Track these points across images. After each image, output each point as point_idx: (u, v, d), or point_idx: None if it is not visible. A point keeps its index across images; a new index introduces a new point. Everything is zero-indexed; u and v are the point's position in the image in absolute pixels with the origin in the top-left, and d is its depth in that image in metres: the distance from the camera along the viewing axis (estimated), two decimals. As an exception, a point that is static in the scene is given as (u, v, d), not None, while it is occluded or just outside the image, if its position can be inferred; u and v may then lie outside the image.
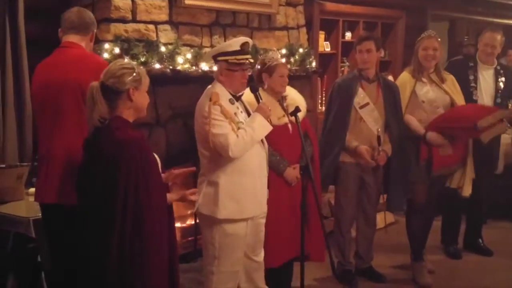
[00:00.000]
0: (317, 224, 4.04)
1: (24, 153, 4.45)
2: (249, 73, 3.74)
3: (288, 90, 4.31)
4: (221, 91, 3.58)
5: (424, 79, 4.84)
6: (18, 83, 4.39)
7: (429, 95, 4.83)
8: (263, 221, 3.85)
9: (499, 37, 5.27)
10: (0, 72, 4.30)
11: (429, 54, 4.81)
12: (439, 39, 4.90)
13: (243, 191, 3.63)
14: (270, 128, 3.64)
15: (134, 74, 2.88)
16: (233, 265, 3.72)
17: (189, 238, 5.23)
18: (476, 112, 4.84)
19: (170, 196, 2.99)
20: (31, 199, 3.78)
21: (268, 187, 3.86)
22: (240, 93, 3.70)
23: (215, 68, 4.70)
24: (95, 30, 3.49)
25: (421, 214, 4.91)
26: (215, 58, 3.65)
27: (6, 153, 4.34)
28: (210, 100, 3.50)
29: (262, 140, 3.74)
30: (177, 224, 5.19)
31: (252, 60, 3.67)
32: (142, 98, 2.94)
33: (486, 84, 5.30)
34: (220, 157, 3.55)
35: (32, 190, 3.82)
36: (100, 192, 2.77)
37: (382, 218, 5.91)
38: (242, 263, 3.78)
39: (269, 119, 3.66)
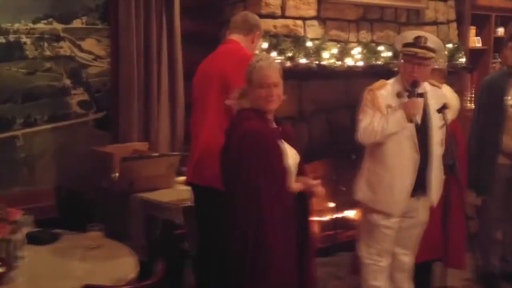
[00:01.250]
0: (459, 227, 3.96)
1: (176, 143, 4.71)
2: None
3: (445, 90, 4.21)
4: (395, 82, 3.67)
5: None
6: (172, 77, 4.66)
7: None
8: (412, 221, 3.81)
9: None
10: (156, 67, 4.58)
11: None
12: None
13: (378, 184, 3.68)
14: (404, 126, 3.58)
15: (249, 69, 2.96)
16: (379, 255, 3.78)
17: (329, 232, 5.27)
18: None
19: (296, 186, 3.02)
20: (181, 187, 3.99)
21: None
22: (421, 91, 3.62)
23: (360, 63, 4.80)
24: (258, 33, 3.60)
25: None
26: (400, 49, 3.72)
27: (159, 142, 4.63)
28: (373, 87, 3.63)
29: (420, 142, 3.64)
30: (316, 218, 5.27)
31: (429, 56, 3.57)
32: (253, 95, 2.96)
33: None
34: (368, 145, 3.68)
35: (182, 178, 4.03)
36: (229, 178, 2.92)
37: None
38: (389, 257, 3.82)
39: (411, 118, 3.60)
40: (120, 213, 4.11)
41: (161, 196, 4.06)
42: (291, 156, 3.05)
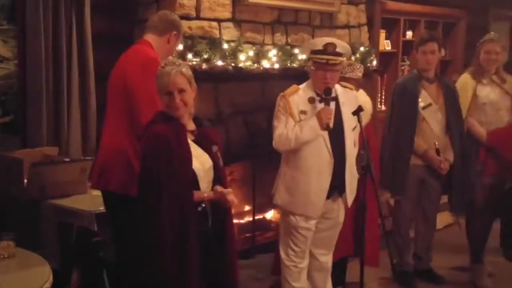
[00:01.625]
0: (373, 226, 4.05)
1: (88, 147, 4.56)
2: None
3: (359, 94, 4.29)
4: (306, 88, 3.70)
5: (485, 81, 4.78)
6: (83, 79, 4.51)
7: (490, 96, 4.77)
8: (330, 222, 3.86)
9: None
10: (66, 68, 4.41)
11: (491, 59, 4.75)
12: (502, 43, 4.83)
13: (295, 187, 3.73)
14: (319, 133, 3.61)
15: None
16: (297, 258, 3.80)
17: (247, 235, 5.26)
18: None
19: (208, 194, 2.96)
20: (95, 193, 3.87)
21: None
22: (331, 96, 3.67)
23: (276, 66, 4.80)
24: (174, 33, 3.49)
25: (481, 216, 4.84)
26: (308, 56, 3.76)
27: (70, 147, 4.47)
28: (286, 93, 3.66)
29: (334, 145, 3.68)
30: (235, 220, 5.24)
31: (338, 61, 3.61)
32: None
33: None
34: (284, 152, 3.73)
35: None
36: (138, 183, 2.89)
37: (442, 219, 5.84)
38: (307, 259, 3.85)
39: (325, 126, 3.62)
40: (31, 221, 3.93)
41: (74, 202, 3.93)
42: (202, 160, 2.98)
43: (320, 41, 3.65)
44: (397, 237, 4.82)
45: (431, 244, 4.91)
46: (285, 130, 3.60)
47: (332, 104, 3.67)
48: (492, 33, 5.04)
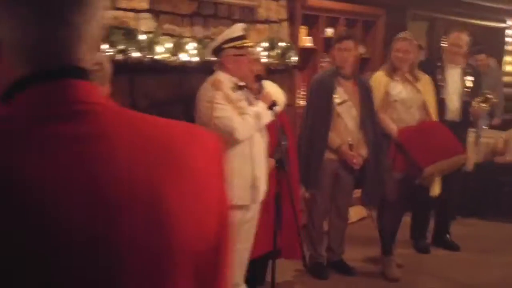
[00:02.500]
0: (290, 220, 4.11)
1: None
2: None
3: (268, 85, 4.37)
4: (224, 79, 3.69)
5: (397, 78, 4.93)
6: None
7: (401, 95, 4.94)
8: (251, 213, 3.93)
9: (464, 37, 5.37)
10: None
11: (398, 57, 4.92)
12: (414, 41, 4.99)
13: (239, 177, 3.70)
14: (272, 116, 3.69)
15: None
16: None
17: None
18: (438, 148, 4.94)
19: None
20: None
21: None
22: (244, 84, 3.73)
23: (194, 59, 4.79)
24: None
25: (392, 210, 5.00)
26: (219, 47, 3.70)
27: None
28: (213, 86, 3.63)
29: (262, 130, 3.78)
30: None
31: (252, 45, 3.73)
32: None
33: (453, 83, 5.43)
34: (225, 142, 3.62)
35: None
36: None
37: (355, 212, 6.01)
38: None
39: (271, 107, 3.71)
40: None
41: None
42: None
43: (237, 28, 3.70)
44: (310, 230, 4.92)
45: (343, 237, 5.04)
46: (244, 119, 3.59)
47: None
48: (406, 31, 5.19)
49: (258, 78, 3.75)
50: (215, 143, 1.07)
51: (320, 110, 4.72)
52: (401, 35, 5.02)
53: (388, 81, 4.95)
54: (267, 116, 3.69)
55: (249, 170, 3.71)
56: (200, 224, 0.99)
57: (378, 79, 5.00)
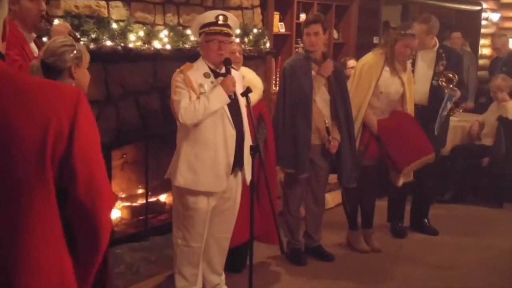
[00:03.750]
0: (267, 206, 4.11)
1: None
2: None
3: (246, 72, 4.37)
4: (199, 65, 3.73)
5: (387, 69, 4.97)
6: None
7: (389, 88, 4.99)
8: (230, 202, 3.93)
9: (420, 27, 5.35)
10: None
11: (407, 53, 4.98)
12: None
13: (200, 164, 3.71)
14: (227, 101, 3.69)
15: (75, 51, 2.88)
16: (195, 240, 3.80)
17: (140, 218, 5.21)
18: (413, 149, 5.07)
19: None
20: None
21: None
22: (222, 70, 3.74)
23: (167, 46, 4.75)
24: None
25: (355, 189, 5.04)
26: (197, 32, 3.77)
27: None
28: (180, 69, 3.66)
29: (233, 118, 3.76)
30: (127, 203, 5.19)
31: (231, 33, 3.75)
32: (83, 75, 2.95)
33: (424, 67, 5.45)
34: (185, 127, 3.67)
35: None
36: None
37: (332, 198, 6.03)
38: (204, 241, 3.85)
39: (230, 94, 3.69)
40: None
41: None
42: None
43: (211, 14, 3.72)
44: (287, 216, 4.92)
45: (320, 223, 5.05)
46: (191, 103, 3.58)
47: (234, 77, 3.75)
48: (413, 25, 5.17)
49: (226, 63, 3.74)
50: (73, 93, 1.59)
51: (299, 96, 4.69)
52: (409, 31, 4.97)
53: (381, 69, 4.95)
54: (220, 101, 3.67)
55: (211, 157, 3.70)
56: (35, 141, 1.48)
57: (374, 64, 4.99)
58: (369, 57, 5.12)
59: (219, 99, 3.65)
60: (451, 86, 5.29)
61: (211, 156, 3.71)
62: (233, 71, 3.85)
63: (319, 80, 4.68)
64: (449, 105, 5.38)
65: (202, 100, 3.60)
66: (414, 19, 9.61)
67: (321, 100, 4.70)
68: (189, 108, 3.57)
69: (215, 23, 3.67)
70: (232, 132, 3.75)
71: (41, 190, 1.50)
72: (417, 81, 5.38)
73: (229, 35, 3.72)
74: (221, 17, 3.68)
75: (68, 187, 1.56)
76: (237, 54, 4.28)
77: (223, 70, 3.74)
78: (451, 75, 5.30)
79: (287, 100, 4.76)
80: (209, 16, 3.71)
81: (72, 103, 1.55)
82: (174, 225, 3.89)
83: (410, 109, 5.17)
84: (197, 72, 3.70)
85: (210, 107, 3.62)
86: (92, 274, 1.74)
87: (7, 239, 1.51)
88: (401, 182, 5.15)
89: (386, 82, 4.98)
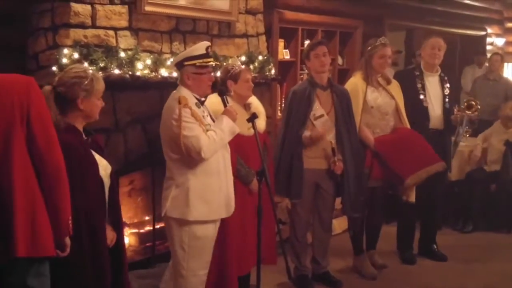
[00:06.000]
0: (268, 227, 4.17)
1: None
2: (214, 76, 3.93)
3: (252, 99, 4.41)
4: (187, 96, 3.67)
5: (373, 84, 5.01)
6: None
7: (378, 101, 5.00)
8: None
9: (442, 41, 5.44)
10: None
11: (386, 62, 4.97)
12: (392, 46, 5.07)
13: (211, 193, 3.71)
14: (237, 130, 3.75)
15: (86, 83, 2.96)
16: (203, 268, 3.80)
17: (147, 244, 5.22)
18: (417, 158, 5.01)
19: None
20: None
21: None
22: (204, 98, 3.79)
23: (174, 74, 4.80)
24: None
25: (361, 213, 5.08)
26: (181, 64, 3.72)
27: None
28: (180, 103, 3.57)
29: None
30: (135, 230, 5.20)
31: (214, 64, 3.83)
32: (91, 106, 3.02)
33: (434, 91, 5.47)
34: (190, 159, 3.62)
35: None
36: None
37: (338, 224, 6.02)
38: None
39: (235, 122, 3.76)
40: None
41: None
42: (103, 166, 3.01)
43: (201, 45, 3.74)
44: (294, 242, 4.92)
45: (327, 249, 5.04)
46: (210, 138, 3.58)
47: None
48: (382, 37, 5.22)
49: (221, 93, 3.81)
50: (24, 80, 2.62)
51: (299, 121, 4.72)
52: (381, 41, 5.05)
53: (365, 86, 4.99)
54: (232, 131, 3.72)
55: (217, 184, 3.73)
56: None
57: (356, 86, 5.02)
58: (350, 81, 5.18)
59: (231, 129, 3.71)
60: (469, 112, 5.32)
61: (217, 183, 3.73)
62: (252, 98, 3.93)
63: (321, 110, 4.72)
64: (464, 131, 5.41)
65: (218, 133, 3.61)
66: (417, 44, 9.79)
67: (323, 127, 4.70)
68: (210, 143, 3.56)
69: (206, 55, 3.71)
70: (228, 157, 3.81)
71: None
72: (430, 105, 5.39)
73: (214, 67, 3.79)
74: (209, 49, 3.74)
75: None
76: (250, 82, 4.34)
77: (203, 98, 3.79)
78: (473, 102, 5.34)
79: (290, 126, 4.77)
80: (200, 48, 3.72)
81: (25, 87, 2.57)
82: (175, 258, 3.81)
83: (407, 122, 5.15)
84: (191, 104, 3.70)
85: (225, 138, 3.67)
86: (65, 205, 2.64)
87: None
88: (413, 197, 5.12)
89: (373, 96, 5.00)
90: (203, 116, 3.69)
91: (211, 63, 3.74)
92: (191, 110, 3.59)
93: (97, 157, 3.01)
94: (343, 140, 4.74)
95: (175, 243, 3.77)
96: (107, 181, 3.05)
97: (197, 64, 3.67)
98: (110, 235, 3.08)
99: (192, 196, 3.66)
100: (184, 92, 3.68)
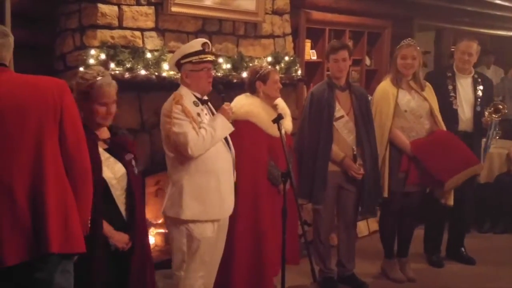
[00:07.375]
0: (291, 227, 4.14)
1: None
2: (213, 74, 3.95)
3: (278, 100, 4.40)
4: (186, 94, 3.70)
5: (404, 87, 4.93)
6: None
7: (411, 104, 4.92)
8: (224, 232, 3.96)
9: (475, 45, 5.35)
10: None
11: (407, 63, 4.91)
12: (418, 48, 4.98)
13: (207, 192, 3.69)
14: (231, 129, 3.74)
15: (85, 86, 3.06)
16: (201, 269, 3.79)
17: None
18: (455, 160, 4.93)
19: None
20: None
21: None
22: (206, 98, 3.79)
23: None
24: None
25: (394, 217, 5.05)
26: (178, 62, 3.74)
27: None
28: (174, 100, 3.63)
29: (228, 143, 3.83)
30: (161, 230, 5.21)
31: (214, 60, 3.82)
32: (89, 111, 3.07)
33: (465, 93, 5.38)
34: (184, 158, 3.62)
35: None
36: None
37: (365, 226, 5.97)
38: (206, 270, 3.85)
39: (230, 121, 3.75)
40: None
41: None
42: (114, 169, 3.03)
43: (196, 42, 3.75)
44: (318, 244, 4.88)
45: (353, 251, 5.00)
46: (199, 135, 3.58)
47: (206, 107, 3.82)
48: (409, 39, 5.16)
49: (219, 91, 3.80)
50: (58, 83, 2.74)
51: (320, 124, 4.67)
52: (405, 42, 5.00)
53: (396, 90, 4.93)
54: (225, 129, 3.70)
55: (215, 185, 3.71)
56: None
57: (385, 90, 4.97)
58: (380, 86, 5.10)
59: (224, 127, 3.69)
60: (496, 116, 5.24)
61: (215, 184, 3.71)
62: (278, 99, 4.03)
63: (341, 111, 4.68)
64: (494, 134, 5.33)
65: (208, 131, 3.60)
66: (447, 45, 9.69)
67: (345, 130, 4.67)
68: (198, 140, 3.56)
69: (203, 51, 3.70)
70: (228, 157, 3.79)
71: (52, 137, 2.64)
72: (460, 108, 5.32)
73: (214, 62, 3.77)
74: (206, 45, 3.72)
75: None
76: (278, 82, 4.32)
77: (205, 97, 3.79)
78: (500, 106, 5.26)
79: (311, 128, 4.74)
80: (195, 45, 3.73)
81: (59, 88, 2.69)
82: (175, 260, 3.80)
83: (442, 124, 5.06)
84: (187, 100, 3.70)
85: (216, 136, 3.64)
86: (88, 204, 2.75)
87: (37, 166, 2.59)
88: (451, 200, 5.05)
89: (405, 100, 4.93)
90: (199, 114, 3.67)
91: (208, 58, 3.72)
92: (182, 107, 3.59)
93: (110, 158, 3.05)
94: (363, 141, 4.70)
95: (174, 242, 3.78)
96: (115, 183, 3.07)
97: (193, 61, 3.67)
98: (121, 237, 3.10)
99: (185, 195, 3.66)
100: (183, 90, 3.72)
